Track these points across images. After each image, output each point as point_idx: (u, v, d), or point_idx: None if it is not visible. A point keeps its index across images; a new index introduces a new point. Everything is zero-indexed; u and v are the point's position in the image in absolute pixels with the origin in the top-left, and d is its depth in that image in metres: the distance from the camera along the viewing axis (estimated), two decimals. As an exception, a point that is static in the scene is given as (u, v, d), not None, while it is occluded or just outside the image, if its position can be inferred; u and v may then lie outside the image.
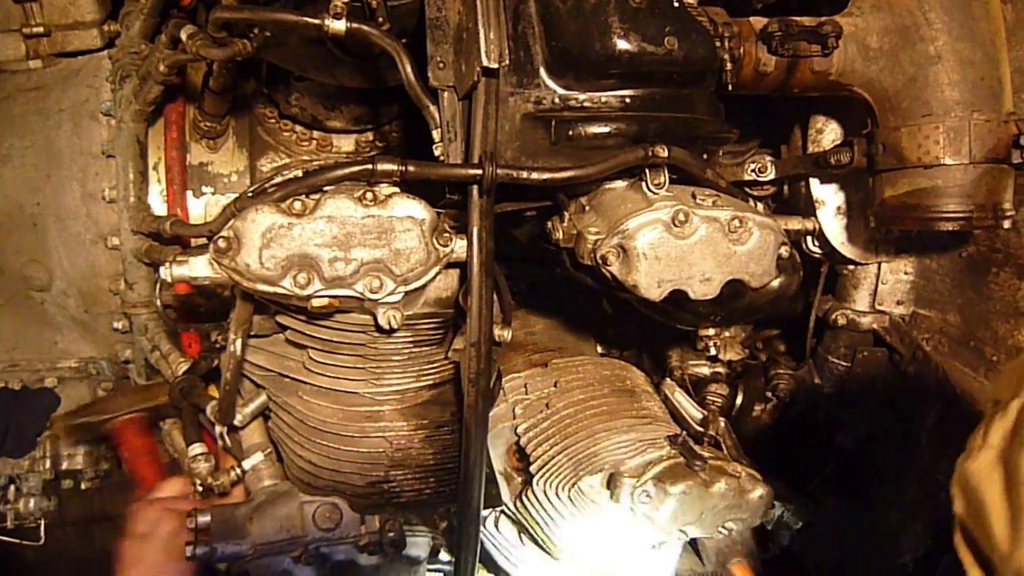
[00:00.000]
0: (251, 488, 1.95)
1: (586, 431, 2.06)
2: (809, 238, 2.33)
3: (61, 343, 2.62)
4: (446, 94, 1.71)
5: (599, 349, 2.80)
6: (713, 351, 2.53)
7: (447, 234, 1.65)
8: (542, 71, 1.67)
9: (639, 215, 1.64)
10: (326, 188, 1.60)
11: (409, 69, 1.69)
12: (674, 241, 1.65)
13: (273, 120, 2.57)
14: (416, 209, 1.61)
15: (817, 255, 2.36)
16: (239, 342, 1.79)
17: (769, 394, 2.57)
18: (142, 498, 1.97)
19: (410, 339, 1.81)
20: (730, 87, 1.88)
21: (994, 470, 0.95)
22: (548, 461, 2.03)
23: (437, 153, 1.74)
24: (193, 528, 1.77)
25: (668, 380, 2.41)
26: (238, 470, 1.95)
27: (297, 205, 1.55)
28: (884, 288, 2.34)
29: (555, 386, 2.24)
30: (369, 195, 1.58)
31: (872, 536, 2.46)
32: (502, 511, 2.15)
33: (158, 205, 2.44)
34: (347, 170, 1.58)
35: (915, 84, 1.84)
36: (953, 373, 2.15)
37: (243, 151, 2.52)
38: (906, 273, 2.32)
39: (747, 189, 2.39)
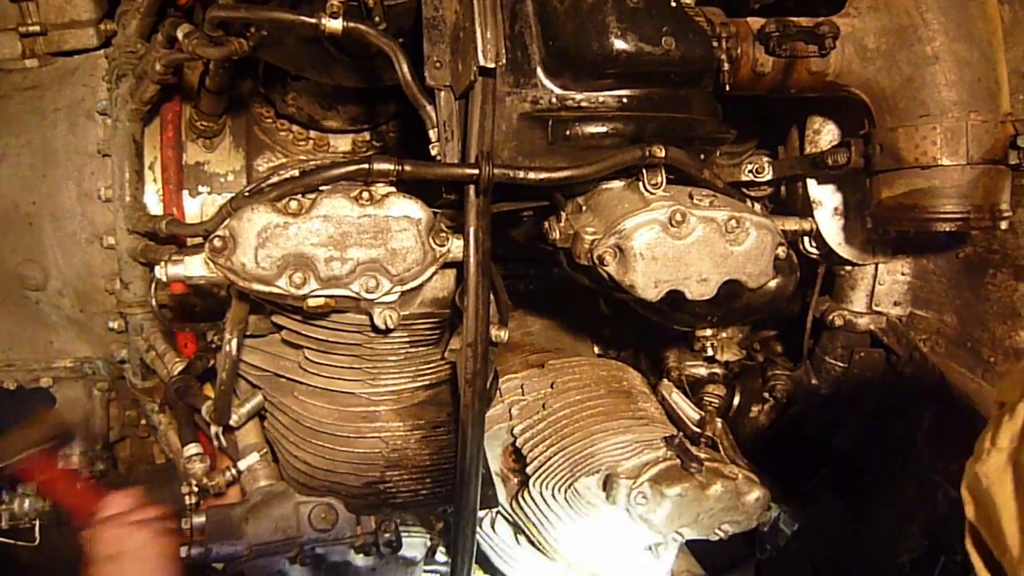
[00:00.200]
0: (247, 488, 1.94)
1: (582, 432, 2.06)
2: (806, 239, 2.33)
3: (56, 343, 2.61)
4: (443, 94, 1.71)
5: (596, 350, 2.81)
6: (710, 352, 2.53)
7: (444, 234, 1.64)
8: (539, 71, 1.67)
9: (636, 215, 1.64)
10: (322, 187, 1.60)
11: (406, 68, 1.68)
12: (671, 241, 1.65)
13: (270, 120, 2.57)
14: (412, 209, 1.61)
15: (814, 256, 2.36)
16: (235, 342, 1.79)
17: (766, 395, 2.57)
18: (88, 523, 1.89)
19: (406, 339, 1.80)
20: (727, 87, 1.88)
21: (1004, 472, 0.95)
22: (544, 462, 2.03)
23: (434, 153, 1.73)
24: (188, 528, 1.76)
25: (665, 381, 2.41)
26: (234, 470, 1.95)
27: (293, 204, 1.55)
28: (881, 289, 2.34)
29: (552, 387, 2.24)
30: (365, 195, 1.58)
31: (869, 536, 2.46)
32: (498, 512, 2.14)
33: (154, 204, 2.42)
34: (343, 169, 1.58)
35: (912, 85, 1.84)
36: (950, 374, 2.15)
37: (239, 151, 2.51)
38: (903, 274, 2.32)
39: (744, 189, 2.39)
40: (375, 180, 1.60)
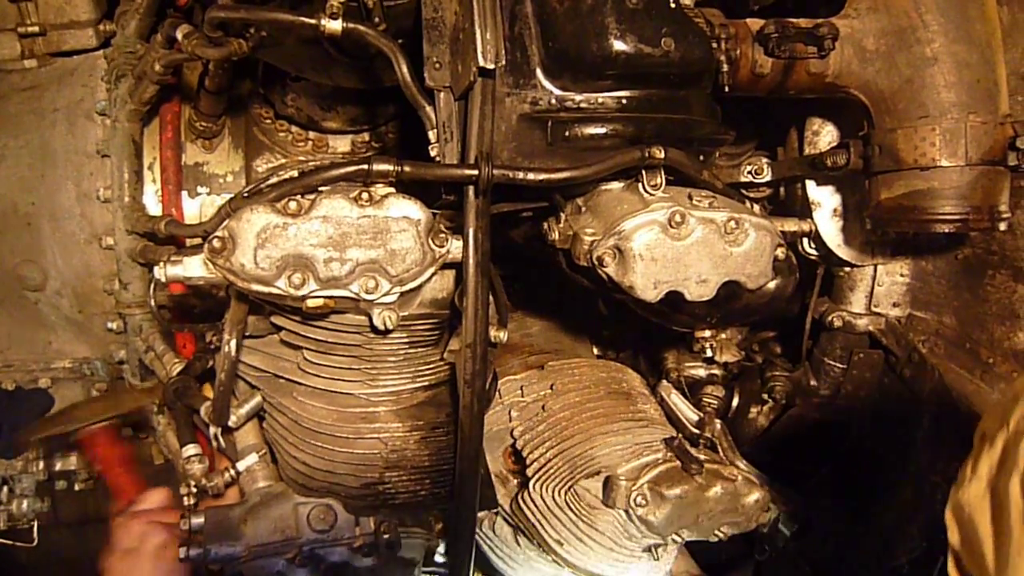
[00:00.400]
0: (245, 489, 1.94)
1: (582, 434, 2.06)
2: (805, 240, 2.33)
3: (55, 343, 2.61)
4: (442, 94, 1.71)
5: (595, 351, 2.80)
6: (709, 353, 2.53)
7: (443, 235, 1.64)
8: (538, 72, 1.67)
9: (635, 216, 1.64)
10: (322, 188, 1.60)
11: (405, 69, 1.68)
12: (670, 242, 1.65)
13: (269, 120, 2.57)
14: (412, 209, 1.61)
15: (813, 257, 2.36)
16: (234, 343, 1.78)
17: (765, 396, 2.57)
18: (123, 510, 1.93)
19: (405, 340, 1.80)
20: (727, 89, 1.88)
21: (984, 499, 0.99)
22: (544, 464, 2.03)
23: (433, 154, 1.73)
24: (187, 529, 1.76)
25: (664, 382, 2.41)
26: (232, 471, 1.95)
27: (292, 205, 1.55)
28: (880, 290, 2.34)
29: (551, 388, 2.24)
30: (365, 195, 1.58)
31: (867, 538, 2.46)
32: (498, 513, 2.14)
33: (153, 205, 2.43)
34: (343, 170, 1.58)
35: (911, 86, 1.84)
36: (949, 375, 2.15)
37: (239, 151, 2.52)
38: (902, 275, 2.32)
39: (743, 191, 2.39)
40: (374, 181, 1.60)
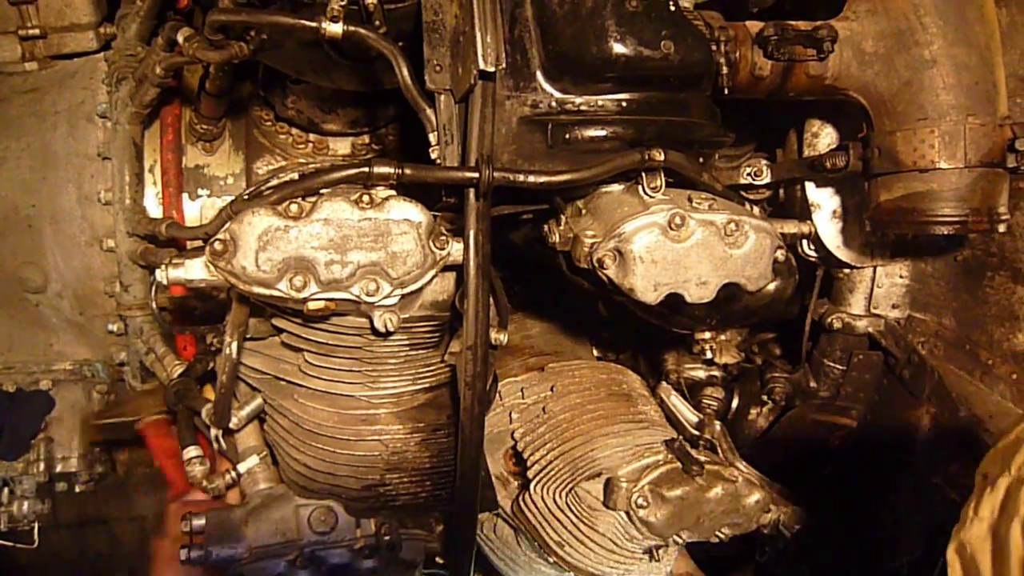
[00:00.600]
0: (246, 491, 1.94)
1: (583, 436, 2.06)
2: (805, 242, 2.33)
3: (56, 345, 2.62)
4: (443, 97, 1.72)
5: (595, 353, 2.81)
6: (709, 355, 2.53)
7: (444, 237, 1.65)
8: (539, 74, 1.68)
9: (635, 218, 1.65)
10: (322, 191, 1.60)
11: (406, 72, 1.69)
12: (670, 244, 1.65)
13: (269, 123, 2.57)
14: (413, 212, 1.61)
15: (813, 259, 2.37)
16: (235, 345, 1.79)
17: (765, 397, 2.57)
18: (177, 498, 1.98)
19: (406, 342, 1.81)
20: (726, 91, 1.88)
21: (985, 541, 1.02)
22: (545, 466, 2.03)
23: (434, 156, 1.74)
24: (188, 531, 1.76)
25: (664, 384, 2.41)
26: (233, 473, 1.95)
27: (293, 208, 1.55)
28: (879, 292, 2.34)
29: (551, 390, 2.24)
30: (366, 198, 1.58)
31: (867, 539, 2.46)
32: (498, 515, 2.14)
33: (154, 207, 2.44)
34: (344, 173, 1.58)
35: (910, 88, 1.85)
36: (948, 377, 2.16)
37: (239, 154, 2.52)
38: (901, 277, 2.33)
39: (743, 193, 2.40)
40: (375, 183, 1.60)
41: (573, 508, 1.94)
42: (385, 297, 1.60)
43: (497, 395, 2.21)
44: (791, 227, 2.25)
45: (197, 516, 1.79)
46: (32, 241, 2.41)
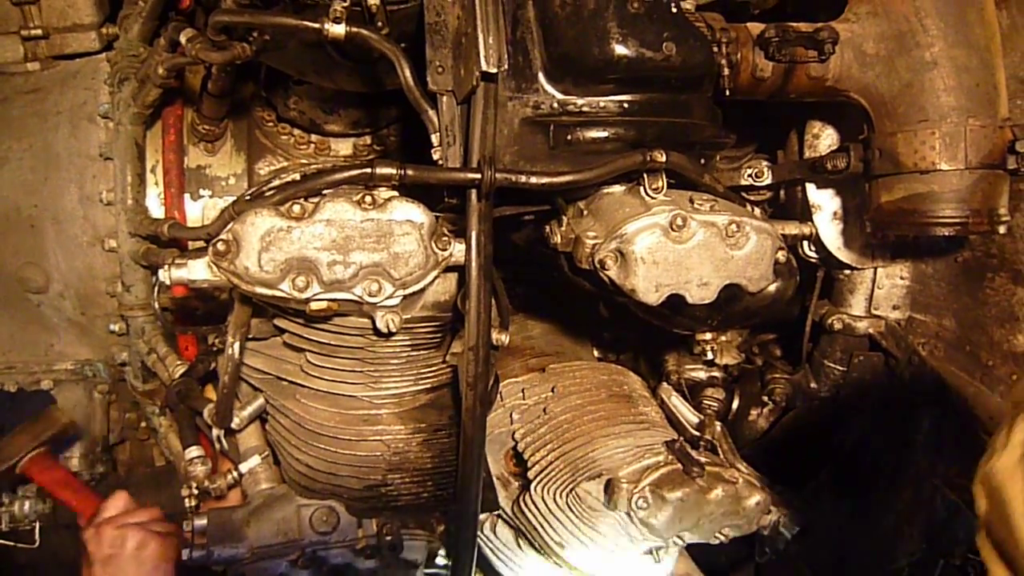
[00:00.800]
0: (248, 491, 1.95)
1: (583, 436, 2.06)
2: (805, 243, 2.34)
3: (57, 345, 2.62)
4: (445, 98, 1.72)
5: (596, 353, 2.81)
6: (710, 355, 2.53)
7: (446, 238, 1.65)
8: (541, 76, 1.68)
9: (637, 219, 1.65)
10: (325, 192, 1.60)
11: (408, 73, 1.69)
12: (672, 246, 1.65)
13: (271, 123, 2.58)
14: (415, 213, 1.62)
15: (813, 260, 2.37)
16: (237, 345, 1.79)
17: (765, 398, 2.57)
18: (88, 523, 1.96)
19: (408, 343, 1.81)
20: (727, 92, 1.89)
21: (1016, 469, 0.98)
22: (546, 466, 2.03)
23: (436, 157, 1.74)
24: (190, 531, 1.77)
25: (665, 384, 2.42)
26: (235, 473, 1.96)
27: (296, 208, 1.55)
28: (880, 293, 2.34)
29: (552, 391, 2.24)
30: (368, 199, 1.58)
31: (868, 540, 2.47)
32: (499, 515, 2.15)
33: (155, 208, 2.44)
34: (346, 174, 1.59)
35: (911, 90, 1.85)
36: (949, 378, 2.16)
37: (241, 154, 2.52)
38: (902, 278, 2.33)
39: (744, 194, 2.40)
40: (378, 184, 1.61)
41: (574, 509, 1.94)
42: (387, 298, 1.61)
43: (498, 396, 2.22)
44: (792, 228, 2.25)
45: (199, 516, 1.80)
46: (34, 241, 2.41)
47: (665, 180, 1.72)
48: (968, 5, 1.84)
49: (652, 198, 1.71)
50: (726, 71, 1.87)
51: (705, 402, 2.55)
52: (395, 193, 1.63)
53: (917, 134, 1.83)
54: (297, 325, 1.78)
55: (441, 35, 1.73)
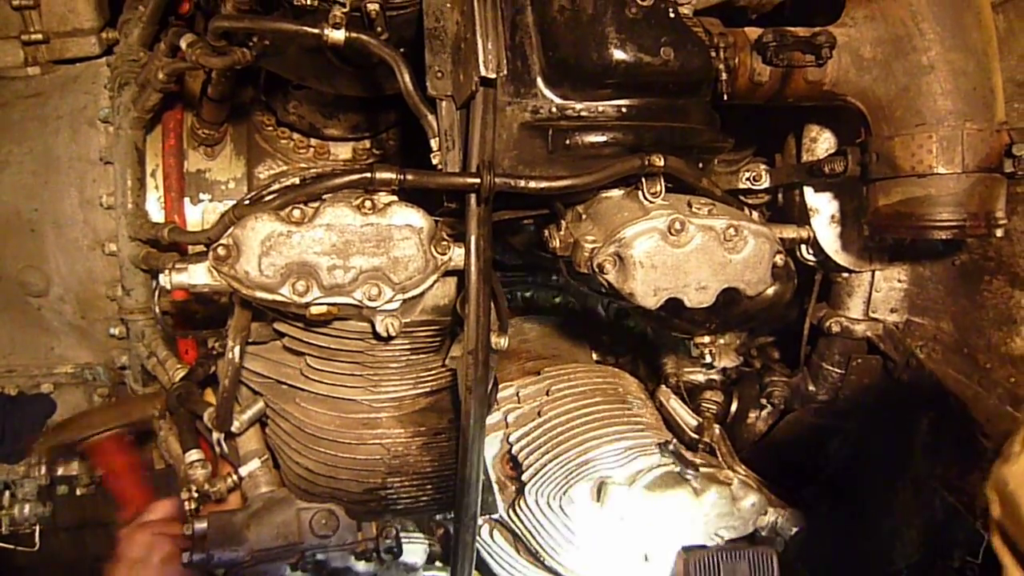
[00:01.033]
0: (248, 495, 1.95)
1: (577, 439, 2.07)
2: (803, 246, 2.34)
3: (58, 349, 2.62)
4: (444, 103, 1.72)
5: (594, 356, 2.81)
6: (708, 358, 2.54)
7: (445, 242, 1.66)
8: (539, 81, 1.69)
9: (635, 224, 1.66)
10: (325, 196, 1.61)
11: (407, 78, 1.70)
12: (670, 250, 1.66)
13: (271, 128, 2.58)
14: (414, 217, 1.62)
15: (811, 263, 2.38)
16: (237, 349, 1.80)
17: (764, 401, 2.58)
18: (130, 520, 1.96)
19: (408, 346, 1.82)
20: (725, 97, 1.89)
21: None
22: (540, 470, 2.04)
23: (435, 162, 1.74)
24: (190, 534, 1.77)
25: (663, 387, 2.42)
26: (235, 476, 1.96)
27: (296, 213, 1.56)
28: (878, 296, 2.35)
29: (547, 394, 2.25)
30: (368, 203, 1.59)
31: (866, 542, 2.47)
32: (496, 519, 2.15)
33: (155, 212, 2.44)
34: (346, 178, 1.59)
35: (908, 94, 1.86)
36: (946, 380, 2.17)
37: (241, 158, 2.53)
38: (900, 281, 2.33)
39: (742, 197, 2.40)
40: (377, 189, 1.61)
41: (567, 511, 1.94)
42: (387, 302, 1.61)
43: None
44: (790, 232, 2.26)
45: (199, 519, 1.80)
46: (34, 245, 2.42)
47: (663, 184, 1.73)
48: (965, 9, 1.85)
49: (650, 202, 1.72)
50: (724, 75, 1.87)
51: (704, 405, 2.56)
52: (395, 198, 1.63)
53: (914, 138, 1.84)
54: (297, 329, 1.78)
55: (440, 40, 1.73)
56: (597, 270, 1.68)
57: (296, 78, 2.28)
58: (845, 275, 2.37)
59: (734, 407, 2.59)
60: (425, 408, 1.91)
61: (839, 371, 2.48)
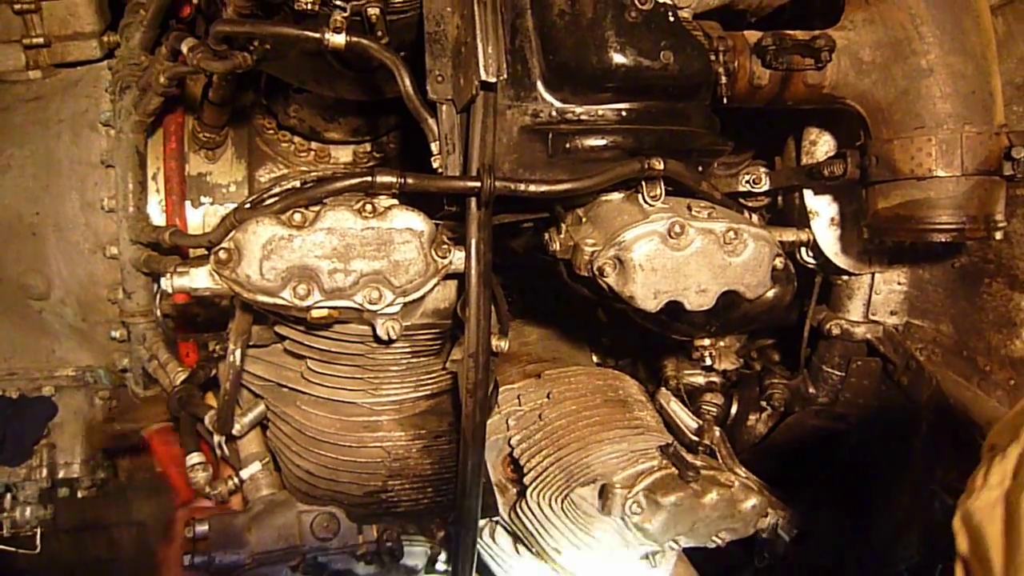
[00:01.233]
0: (249, 497, 1.96)
1: (578, 442, 2.07)
2: (803, 249, 2.34)
3: (59, 352, 2.62)
4: (444, 107, 1.73)
5: (595, 359, 2.82)
6: (708, 361, 2.54)
7: (445, 246, 1.66)
8: (539, 85, 1.69)
9: (635, 227, 1.66)
10: (326, 200, 1.62)
11: (408, 82, 1.71)
12: (670, 253, 1.67)
13: (272, 131, 2.59)
14: (415, 221, 1.63)
15: (811, 265, 2.38)
16: (238, 352, 1.80)
17: (764, 403, 2.58)
18: (183, 505, 2.01)
19: (408, 350, 1.82)
20: (725, 100, 1.90)
21: (995, 509, 1.01)
22: (541, 472, 2.04)
23: (435, 165, 1.75)
24: (191, 537, 1.78)
25: (663, 389, 2.42)
26: (236, 479, 1.96)
27: (297, 217, 1.57)
28: (878, 298, 2.35)
29: (548, 397, 2.25)
30: (368, 207, 1.60)
31: (866, 545, 2.47)
32: (498, 521, 2.15)
33: (157, 215, 2.45)
34: (347, 182, 1.60)
35: (907, 97, 1.86)
36: (946, 383, 2.17)
37: (241, 162, 2.53)
38: (899, 283, 2.34)
39: (742, 200, 2.40)
40: (378, 192, 1.62)
41: (569, 515, 1.95)
42: (388, 305, 1.62)
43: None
44: (789, 235, 2.26)
45: (200, 522, 1.80)
46: (36, 248, 2.42)
47: (663, 187, 1.74)
48: (964, 12, 1.85)
49: (650, 205, 1.72)
50: (723, 79, 1.88)
51: (704, 407, 2.56)
52: (395, 201, 1.64)
53: (913, 141, 1.84)
54: (298, 332, 1.79)
55: (441, 44, 1.74)
56: (597, 273, 1.68)
57: (297, 82, 2.29)
58: (845, 278, 2.38)
59: (734, 409, 2.59)
60: (426, 411, 1.92)
61: (839, 373, 2.48)
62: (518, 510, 2.05)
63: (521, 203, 1.74)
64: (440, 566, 2.12)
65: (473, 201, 1.61)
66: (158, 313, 2.25)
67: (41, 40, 2.41)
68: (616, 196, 1.79)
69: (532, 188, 1.64)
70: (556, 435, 2.12)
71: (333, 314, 1.63)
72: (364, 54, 1.75)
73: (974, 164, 1.81)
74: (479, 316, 1.64)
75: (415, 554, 1.97)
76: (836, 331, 2.41)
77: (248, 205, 1.69)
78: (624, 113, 1.73)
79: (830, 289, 2.45)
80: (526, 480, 2.05)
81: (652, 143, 1.73)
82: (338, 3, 1.78)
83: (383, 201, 1.62)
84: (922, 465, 2.26)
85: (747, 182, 2.36)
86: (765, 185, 2.35)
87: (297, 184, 2.34)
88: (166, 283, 1.56)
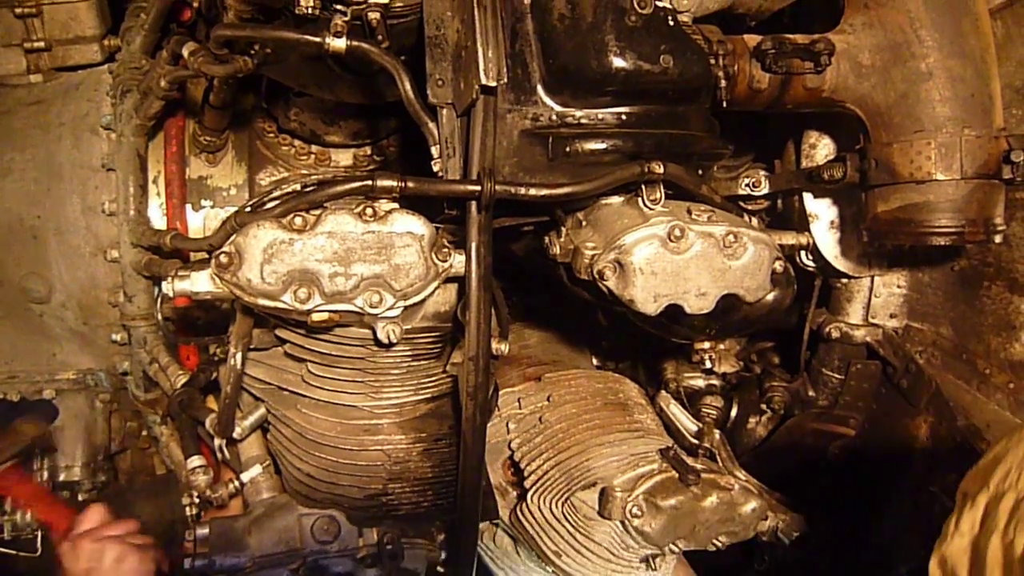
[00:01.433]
0: (249, 500, 1.96)
1: (578, 445, 2.07)
2: (803, 252, 2.34)
3: (59, 355, 2.63)
4: (445, 111, 1.74)
5: (595, 362, 2.82)
6: (708, 364, 2.54)
7: (446, 249, 1.67)
8: (539, 88, 1.69)
9: (635, 230, 1.66)
10: (326, 204, 1.62)
11: (408, 86, 1.71)
12: (670, 256, 1.67)
13: (272, 134, 2.59)
14: (415, 225, 1.63)
15: (811, 269, 2.38)
16: (239, 355, 1.81)
17: (763, 406, 2.58)
18: (64, 537, 1.95)
19: (409, 353, 1.82)
20: (724, 104, 1.90)
21: (965, 555, 1.08)
22: (541, 476, 2.04)
23: (436, 169, 1.75)
24: (192, 540, 1.78)
25: (663, 392, 2.42)
26: (236, 483, 1.96)
27: (298, 221, 1.57)
28: (877, 301, 2.35)
29: (548, 400, 2.25)
30: (369, 211, 1.60)
31: (866, 548, 2.47)
32: (498, 525, 2.16)
33: (157, 218, 2.45)
34: (347, 186, 1.60)
35: (907, 100, 1.86)
36: (946, 386, 2.17)
37: (242, 165, 2.54)
38: (899, 286, 2.34)
39: (741, 203, 2.41)
40: (378, 196, 1.62)
41: (569, 518, 1.95)
42: (388, 309, 1.62)
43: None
44: (789, 238, 2.26)
45: (201, 525, 1.81)
46: (37, 252, 2.43)
47: (663, 191, 1.74)
48: (963, 16, 1.85)
49: (650, 209, 1.72)
50: (723, 83, 1.87)
51: (704, 410, 2.56)
52: (395, 205, 1.64)
53: (913, 144, 1.84)
54: (298, 336, 1.79)
55: (441, 48, 1.74)
56: (597, 276, 1.68)
57: (297, 86, 2.29)
58: (844, 281, 2.38)
59: (734, 412, 2.59)
60: (426, 414, 1.92)
61: (839, 376, 2.48)
62: (518, 513, 2.05)
63: (521, 207, 1.74)
64: (440, 569, 2.12)
65: (473, 205, 1.61)
66: (159, 316, 2.26)
67: (42, 44, 2.42)
68: (616, 200, 1.79)
69: (532, 192, 1.64)
70: (556, 438, 2.12)
71: (334, 318, 1.63)
72: (365, 58, 1.75)
73: (973, 167, 1.81)
74: (479, 319, 1.64)
75: (416, 557, 1.97)
76: (836, 334, 2.41)
77: (249, 209, 1.70)
78: (624, 117, 1.73)
79: (830, 292, 2.45)
80: (526, 483, 2.05)
81: (652, 147, 1.73)
82: (339, 7, 1.79)
83: (384, 205, 1.62)
84: (921, 468, 2.26)
85: (747, 185, 2.37)
86: (765, 188, 2.36)
87: (297, 187, 2.34)
88: (167, 286, 1.57)
